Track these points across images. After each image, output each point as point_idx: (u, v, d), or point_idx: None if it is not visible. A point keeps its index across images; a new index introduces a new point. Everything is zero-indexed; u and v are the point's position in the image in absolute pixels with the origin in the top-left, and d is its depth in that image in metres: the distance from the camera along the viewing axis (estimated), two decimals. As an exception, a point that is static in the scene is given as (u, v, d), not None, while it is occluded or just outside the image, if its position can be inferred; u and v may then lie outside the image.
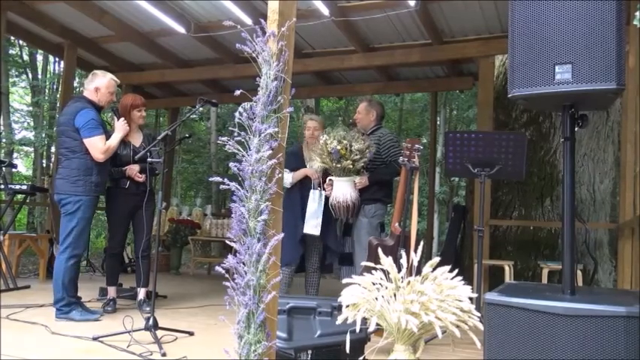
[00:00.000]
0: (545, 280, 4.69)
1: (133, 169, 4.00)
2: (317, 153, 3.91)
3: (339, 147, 3.72)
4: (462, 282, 1.98)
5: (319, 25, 5.36)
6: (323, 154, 3.83)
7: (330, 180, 3.96)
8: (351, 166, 3.77)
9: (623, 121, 4.71)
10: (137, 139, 4.14)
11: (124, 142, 4.02)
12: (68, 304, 3.57)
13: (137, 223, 4.06)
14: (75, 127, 3.66)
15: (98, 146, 3.66)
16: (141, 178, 4.00)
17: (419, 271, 2.00)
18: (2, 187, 5.39)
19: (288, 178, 4.07)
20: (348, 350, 2.04)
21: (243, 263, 1.89)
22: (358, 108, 4.30)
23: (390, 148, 4.04)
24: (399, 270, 2.00)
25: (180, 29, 5.72)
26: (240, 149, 1.99)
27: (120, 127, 3.87)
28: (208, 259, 8.04)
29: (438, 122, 12.51)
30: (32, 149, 14.12)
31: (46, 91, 13.93)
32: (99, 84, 3.81)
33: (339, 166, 3.78)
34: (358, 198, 3.88)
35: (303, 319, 2.45)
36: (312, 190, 4.08)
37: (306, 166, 4.20)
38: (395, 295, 1.94)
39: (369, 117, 4.20)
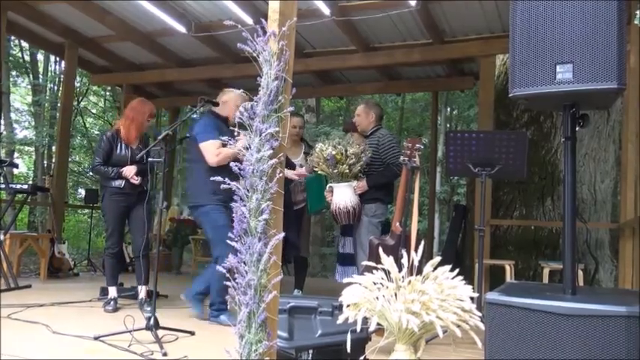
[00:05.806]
0: (546, 279, 4.69)
1: (130, 171, 4.01)
2: (314, 161, 3.95)
3: (334, 152, 3.78)
4: (463, 281, 1.98)
5: (320, 24, 5.36)
6: (320, 161, 3.87)
7: (329, 187, 3.99)
8: (348, 171, 3.81)
9: (624, 121, 4.71)
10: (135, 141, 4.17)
11: (123, 144, 4.06)
12: (218, 309, 3.68)
13: (133, 222, 4.08)
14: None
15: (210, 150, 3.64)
16: (136, 180, 4.00)
17: (420, 271, 2.00)
18: (3, 186, 5.39)
19: None
20: (349, 350, 2.04)
21: (244, 263, 1.89)
22: (357, 111, 4.34)
23: (389, 150, 4.03)
24: (400, 269, 2.00)
25: (181, 29, 5.72)
26: (241, 149, 2.00)
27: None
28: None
29: (439, 122, 12.51)
30: (33, 149, 14.14)
31: (47, 90, 13.94)
32: (225, 99, 3.85)
33: (335, 171, 3.83)
34: (359, 203, 3.91)
35: (304, 318, 2.45)
36: None
37: None
38: (396, 295, 1.94)
39: (369, 118, 4.23)
